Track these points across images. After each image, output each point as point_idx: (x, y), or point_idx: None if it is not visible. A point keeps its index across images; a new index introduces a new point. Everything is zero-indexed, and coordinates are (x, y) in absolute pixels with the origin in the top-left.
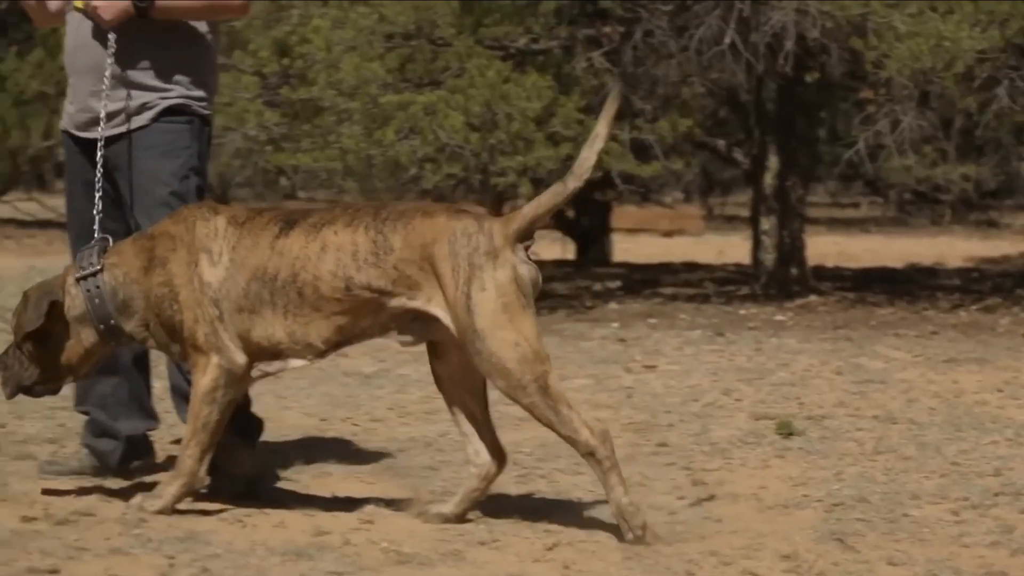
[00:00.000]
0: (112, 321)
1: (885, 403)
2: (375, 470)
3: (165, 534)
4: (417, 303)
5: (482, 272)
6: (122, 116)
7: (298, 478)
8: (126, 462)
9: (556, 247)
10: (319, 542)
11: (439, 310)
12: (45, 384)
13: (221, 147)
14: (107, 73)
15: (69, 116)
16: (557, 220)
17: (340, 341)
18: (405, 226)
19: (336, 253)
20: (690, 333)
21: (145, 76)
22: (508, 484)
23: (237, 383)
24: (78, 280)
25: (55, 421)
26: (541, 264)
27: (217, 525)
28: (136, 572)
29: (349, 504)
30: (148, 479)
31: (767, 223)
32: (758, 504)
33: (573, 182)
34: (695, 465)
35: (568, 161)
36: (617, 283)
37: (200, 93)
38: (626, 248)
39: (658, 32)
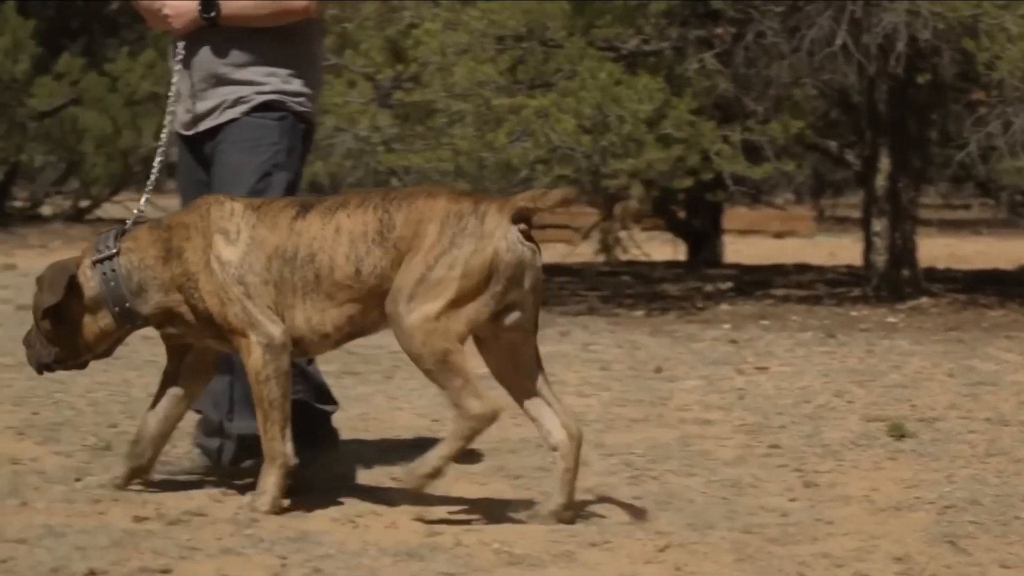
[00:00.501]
0: (127, 304)
1: (997, 405)
2: (487, 471)
3: (277, 534)
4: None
5: (458, 251)
6: (217, 112)
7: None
8: (237, 461)
9: (668, 248)
10: (431, 543)
11: None
12: (65, 362)
13: (332, 147)
14: (173, 79)
15: (177, 116)
16: (669, 221)
17: (352, 332)
18: (408, 205)
19: (349, 235)
20: (802, 335)
21: (240, 71)
22: (619, 485)
23: (282, 352)
24: (95, 263)
25: None
26: (652, 265)
27: (329, 526)
28: (248, 572)
29: (461, 505)
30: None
31: (878, 225)
32: (870, 506)
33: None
34: (807, 467)
35: (680, 163)
36: (729, 284)
37: (296, 87)
38: (737, 249)
39: (770, 33)
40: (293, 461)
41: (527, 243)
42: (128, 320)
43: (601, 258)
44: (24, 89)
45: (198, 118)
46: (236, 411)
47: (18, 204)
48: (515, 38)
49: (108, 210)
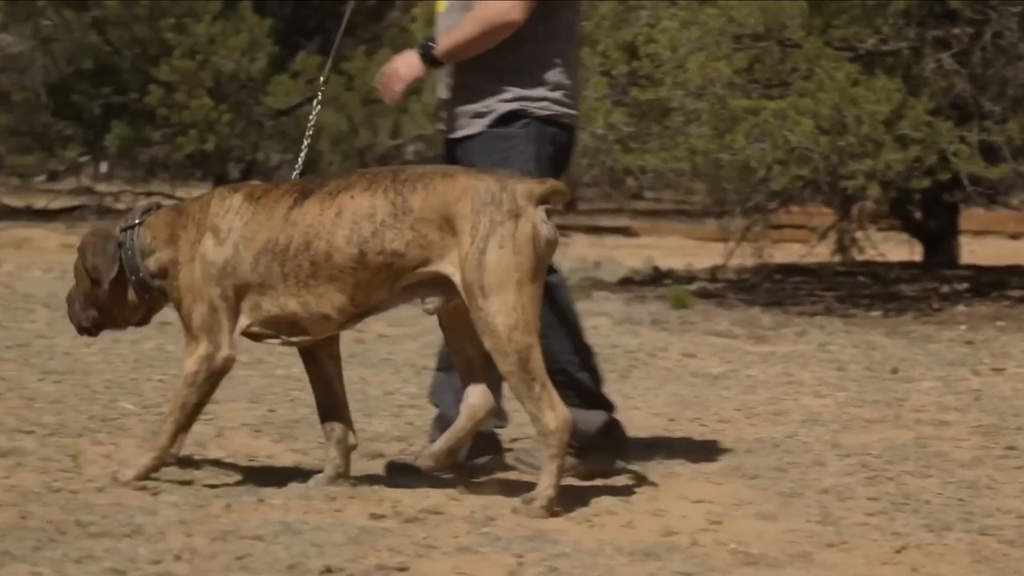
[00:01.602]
0: (141, 275)
1: None
2: (723, 471)
3: (514, 533)
4: (431, 266)
5: (502, 228)
6: (464, 120)
7: (646, 478)
8: (472, 458)
9: (903, 249)
10: (667, 542)
11: (450, 267)
12: (103, 327)
13: None
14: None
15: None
16: (905, 222)
17: (358, 313)
18: (425, 187)
19: (352, 218)
20: None
21: (482, 78)
22: (856, 486)
23: (218, 372)
24: (122, 231)
25: (403, 419)
26: (888, 265)
27: (565, 524)
28: (484, 570)
29: (697, 505)
30: (499, 476)
31: None
32: None
33: None
34: None
35: (917, 163)
36: (965, 285)
37: (540, 92)
38: (973, 250)
39: (1008, 33)
40: (171, 458)
41: (549, 223)
42: (144, 291)
43: (837, 258)
44: (261, 88)
45: (450, 122)
46: None
47: None
48: (752, 37)
49: None
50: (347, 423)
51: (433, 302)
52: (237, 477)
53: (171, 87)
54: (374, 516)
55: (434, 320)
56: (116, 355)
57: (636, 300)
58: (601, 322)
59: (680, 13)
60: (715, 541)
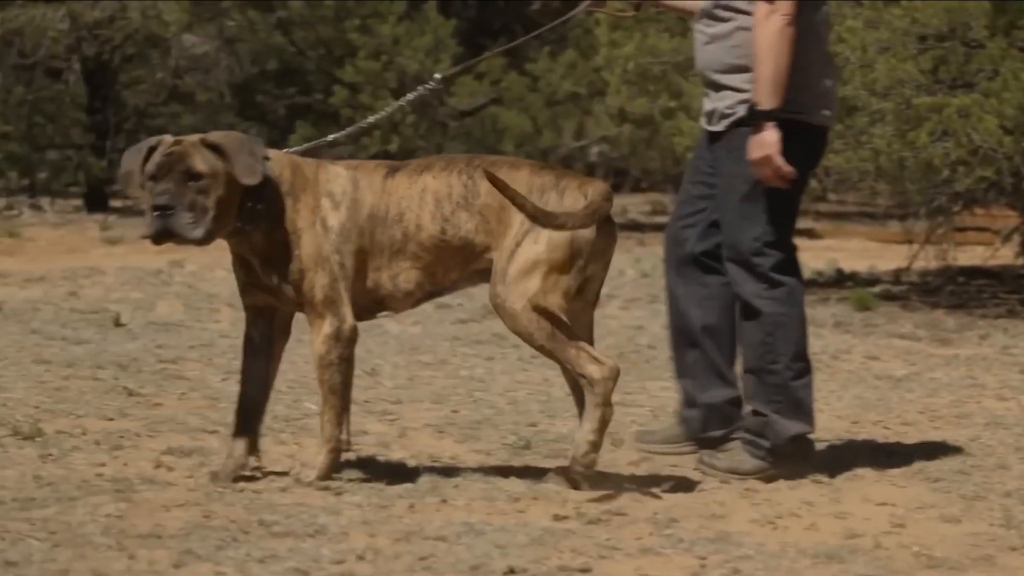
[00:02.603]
0: (260, 206)
1: None
2: (906, 474)
3: (696, 535)
4: (494, 253)
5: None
6: (714, 117)
7: (830, 481)
8: (705, 430)
9: None
10: (850, 545)
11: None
12: (216, 235)
13: None
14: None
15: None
16: None
17: (432, 291)
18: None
19: (434, 196)
20: None
21: (726, 77)
22: None
23: (348, 342)
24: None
25: None
26: None
27: (748, 527)
28: (667, 572)
29: (881, 507)
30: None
31: None
32: None
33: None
34: None
35: None
36: None
37: None
38: None
39: None
40: (345, 445)
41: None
42: (251, 220)
43: (1021, 261)
44: (445, 88)
45: (708, 116)
46: (704, 382)
47: None
48: (937, 37)
49: None
50: (258, 429)
51: None
52: (420, 478)
53: (356, 88)
54: (557, 517)
55: (619, 321)
56: (299, 355)
57: (819, 302)
58: None
59: (864, 12)
60: (898, 544)
